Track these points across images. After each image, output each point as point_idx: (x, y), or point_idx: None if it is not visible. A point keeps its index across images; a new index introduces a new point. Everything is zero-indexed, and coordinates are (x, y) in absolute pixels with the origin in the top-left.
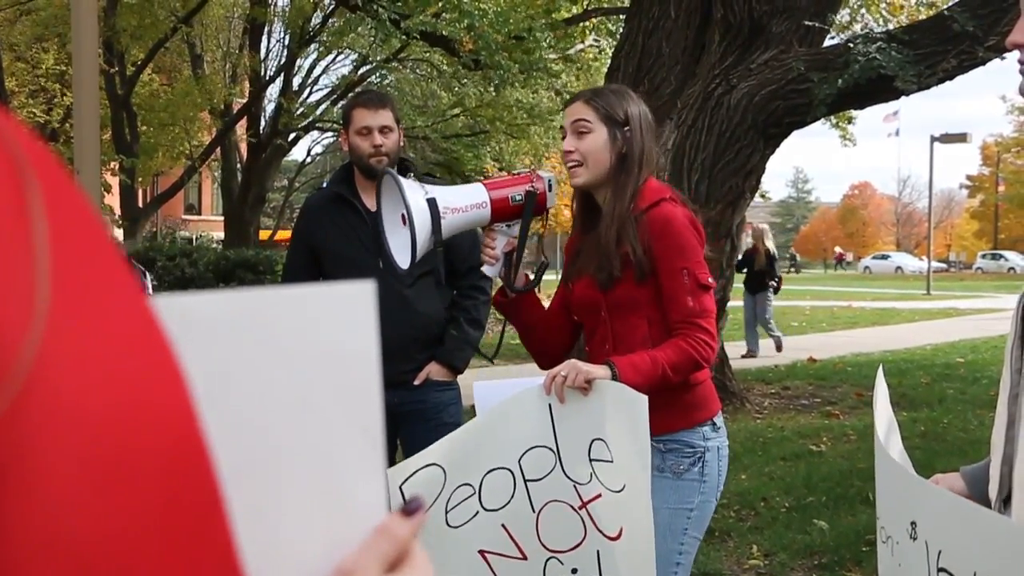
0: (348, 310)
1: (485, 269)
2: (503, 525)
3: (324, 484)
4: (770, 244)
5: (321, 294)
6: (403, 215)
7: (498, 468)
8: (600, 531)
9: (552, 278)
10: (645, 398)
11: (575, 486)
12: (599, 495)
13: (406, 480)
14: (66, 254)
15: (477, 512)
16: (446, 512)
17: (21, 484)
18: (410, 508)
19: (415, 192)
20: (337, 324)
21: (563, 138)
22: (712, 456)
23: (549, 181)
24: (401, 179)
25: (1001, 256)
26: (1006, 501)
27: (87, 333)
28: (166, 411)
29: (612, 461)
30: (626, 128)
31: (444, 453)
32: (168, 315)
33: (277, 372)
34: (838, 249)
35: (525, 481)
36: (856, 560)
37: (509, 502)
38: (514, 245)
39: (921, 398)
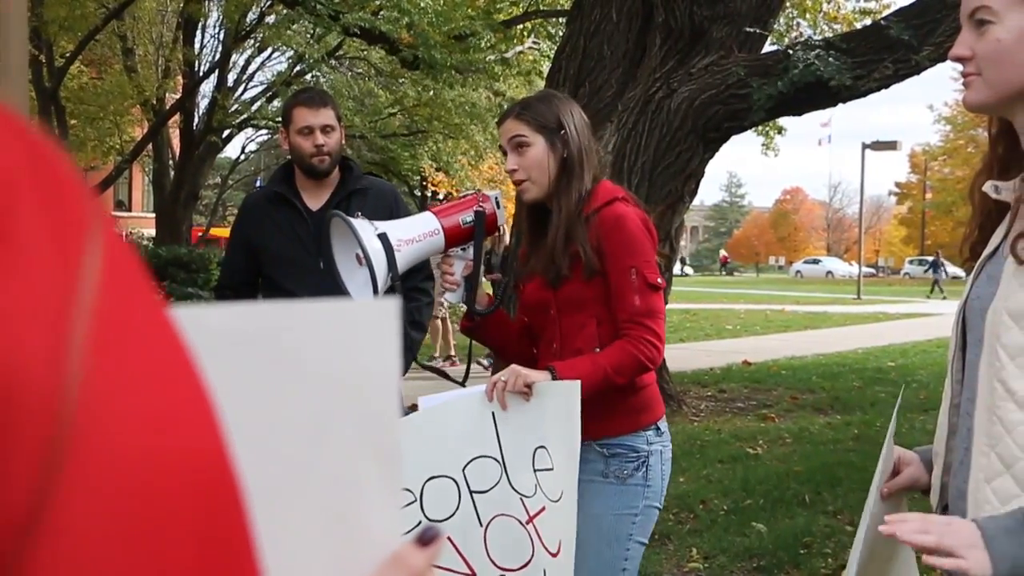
0: (370, 328)
1: (448, 296)
2: (449, 538)
3: (338, 509)
4: None
5: (344, 310)
6: (357, 255)
7: (440, 476)
8: (545, 548)
9: None
10: (578, 383)
11: (522, 499)
12: (543, 508)
13: None
14: (111, 298)
15: (420, 522)
16: None
17: (54, 536)
18: (426, 538)
19: (366, 231)
20: (359, 342)
21: (504, 155)
22: (656, 460)
23: (496, 199)
24: (351, 220)
25: (927, 262)
26: (944, 510)
27: (125, 374)
28: (202, 454)
29: (552, 469)
30: (562, 132)
31: None
32: (185, 327)
33: (296, 389)
34: (723, 253)
35: (471, 492)
36: (794, 563)
37: (454, 514)
38: (479, 268)
39: (854, 401)
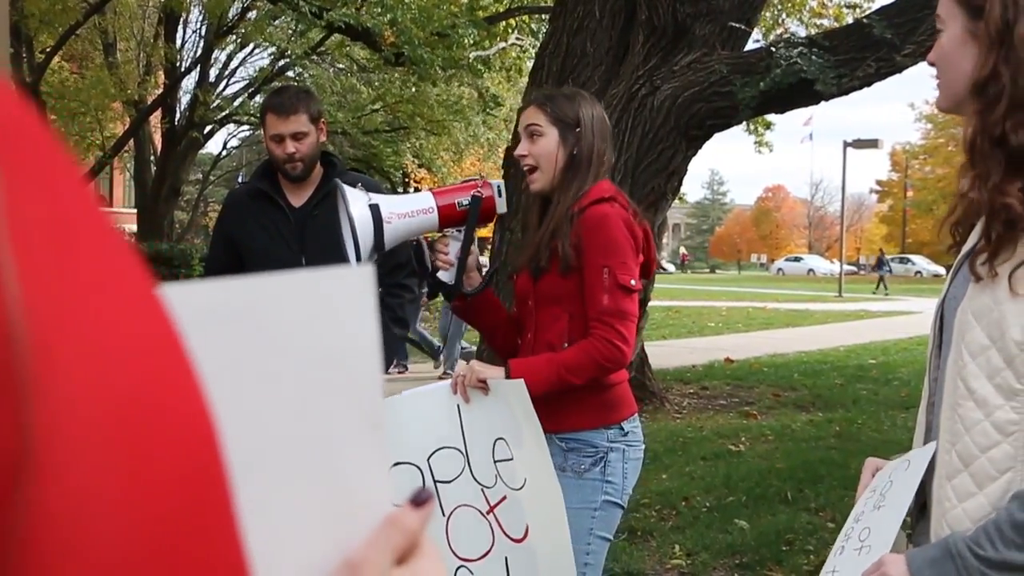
0: (347, 295)
1: (441, 275)
2: None
3: (329, 476)
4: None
5: (320, 279)
6: (349, 224)
7: (405, 463)
8: (507, 535)
9: None
10: (521, 381)
11: (483, 490)
12: (504, 497)
13: None
14: (43, 241)
15: None
16: None
17: (34, 494)
18: (419, 499)
19: (357, 199)
20: (337, 310)
21: (517, 143)
22: (616, 457)
23: (498, 187)
24: (345, 188)
25: (908, 260)
26: (922, 509)
27: (88, 327)
28: (182, 413)
29: (512, 459)
30: (577, 129)
31: None
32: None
33: (278, 361)
34: (683, 250)
35: (435, 482)
36: (776, 559)
37: None
38: (469, 250)
39: (836, 399)
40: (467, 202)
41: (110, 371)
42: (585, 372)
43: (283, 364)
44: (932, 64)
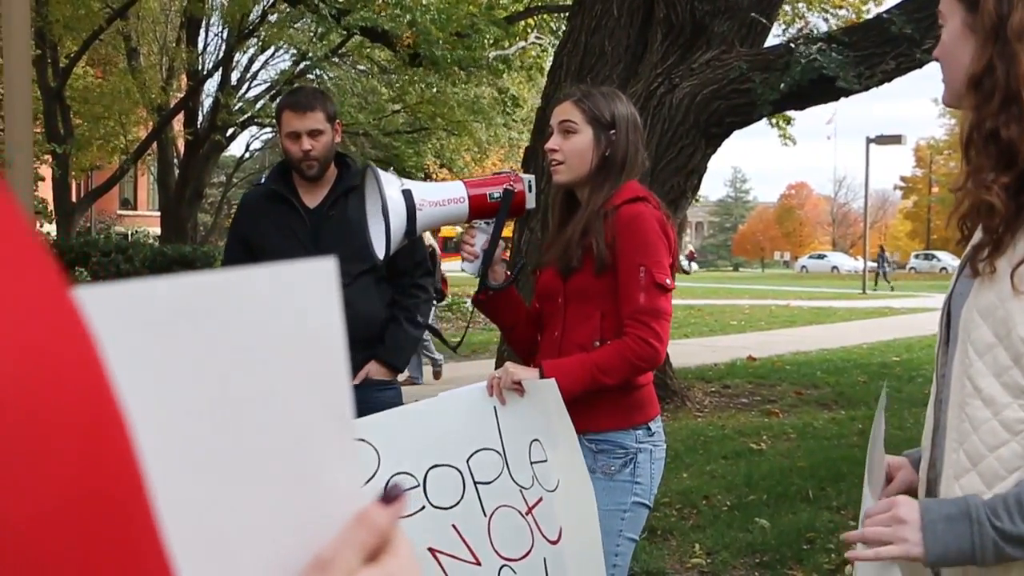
0: (310, 289)
1: (464, 266)
2: (454, 526)
3: (297, 472)
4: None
5: (281, 273)
6: (382, 207)
7: (444, 465)
8: (545, 537)
9: None
10: (552, 381)
11: (521, 491)
12: (540, 499)
13: None
14: None
15: (424, 507)
16: None
17: None
18: (390, 495)
19: (391, 184)
20: (299, 304)
21: (544, 134)
22: (644, 458)
23: (529, 183)
24: (380, 171)
25: (934, 256)
26: None
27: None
28: (78, 382)
29: (547, 460)
30: (612, 132)
31: (373, 432)
32: (118, 303)
33: (239, 357)
34: (690, 248)
35: (475, 483)
36: (797, 558)
37: (459, 502)
38: (497, 243)
39: (859, 396)
40: (498, 194)
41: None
42: (619, 372)
43: (245, 359)
44: (937, 60)
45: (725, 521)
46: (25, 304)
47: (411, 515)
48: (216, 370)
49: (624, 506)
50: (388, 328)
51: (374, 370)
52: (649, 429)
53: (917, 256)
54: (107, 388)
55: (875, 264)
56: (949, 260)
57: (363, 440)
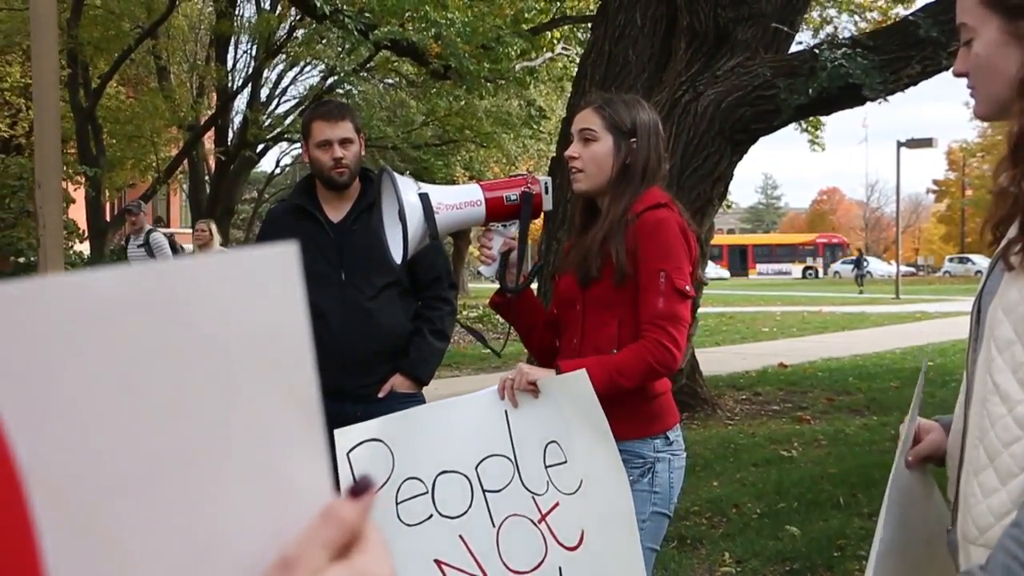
0: (270, 277)
1: (482, 269)
2: (461, 536)
3: (261, 467)
4: None
5: (239, 261)
6: (399, 211)
7: (452, 472)
8: (560, 544)
9: None
10: (583, 372)
11: (533, 498)
12: (556, 504)
13: (353, 449)
14: None
15: (431, 515)
16: (396, 504)
17: None
18: (358, 489)
19: (408, 188)
20: (259, 293)
21: (569, 143)
22: (663, 468)
23: (546, 184)
24: (396, 176)
25: (968, 260)
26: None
27: None
28: None
29: (566, 462)
30: (632, 140)
31: (389, 433)
32: (71, 294)
33: (198, 349)
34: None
35: (484, 492)
36: (828, 565)
37: (467, 511)
38: (511, 245)
39: (891, 402)
40: (514, 197)
41: None
42: (636, 374)
43: (206, 351)
44: (960, 75)
45: (755, 529)
46: None
47: (419, 524)
48: (177, 363)
49: (643, 516)
50: (412, 340)
51: (398, 382)
52: (667, 438)
53: (952, 260)
54: None
55: (853, 267)
56: (983, 263)
57: (380, 441)
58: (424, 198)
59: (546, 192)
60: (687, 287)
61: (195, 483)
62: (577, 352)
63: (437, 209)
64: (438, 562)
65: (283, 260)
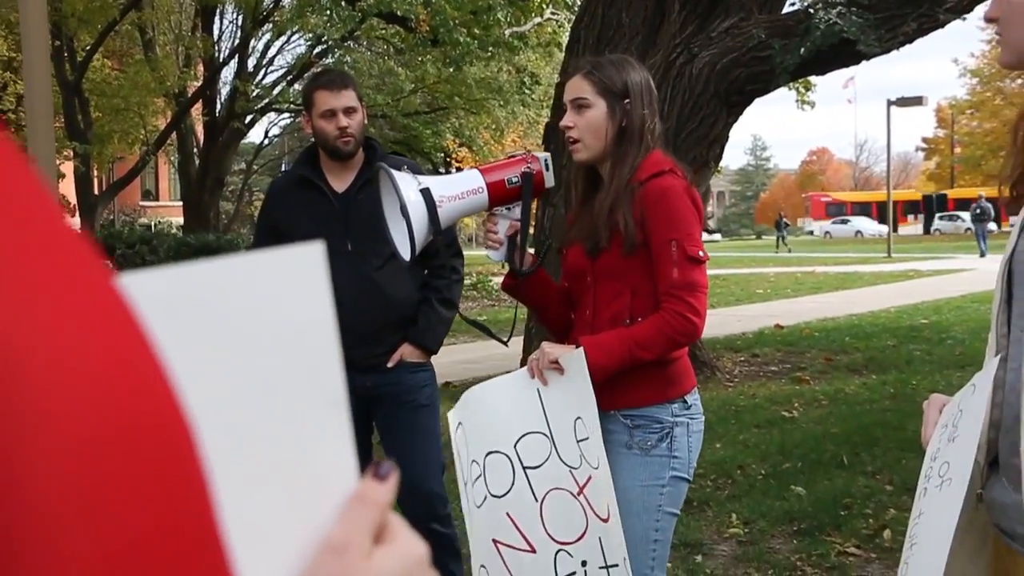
0: (298, 274)
1: (490, 254)
2: (508, 514)
3: (295, 460)
4: None
5: (268, 260)
6: (401, 208)
7: (496, 452)
8: (597, 515)
9: None
10: (581, 351)
11: (571, 471)
12: (589, 478)
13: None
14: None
15: (485, 497)
16: (466, 486)
17: (11, 505)
18: (382, 472)
19: (408, 185)
20: (288, 290)
21: (563, 112)
22: (681, 432)
23: (545, 161)
24: (394, 173)
25: (958, 217)
26: (992, 465)
27: (54, 334)
28: (156, 417)
29: (589, 438)
30: (626, 100)
31: (464, 415)
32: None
33: (231, 346)
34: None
35: (524, 469)
36: (835, 524)
37: (511, 490)
38: (517, 228)
39: (889, 360)
40: (516, 179)
41: (81, 381)
42: (657, 347)
43: (239, 348)
44: (991, 20)
45: (761, 490)
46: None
47: (480, 506)
48: (210, 361)
49: (662, 480)
50: (420, 309)
51: (407, 351)
52: (685, 402)
53: (941, 217)
54: (171, 386)
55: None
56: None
57: (460, 425)
58: (426, 194)
59: (547, 169)
60: (700, 252)
61: (233, 478)
62: (590, 324)
63: (440, 203)
64: (495, 542)
65: (310, 259)
